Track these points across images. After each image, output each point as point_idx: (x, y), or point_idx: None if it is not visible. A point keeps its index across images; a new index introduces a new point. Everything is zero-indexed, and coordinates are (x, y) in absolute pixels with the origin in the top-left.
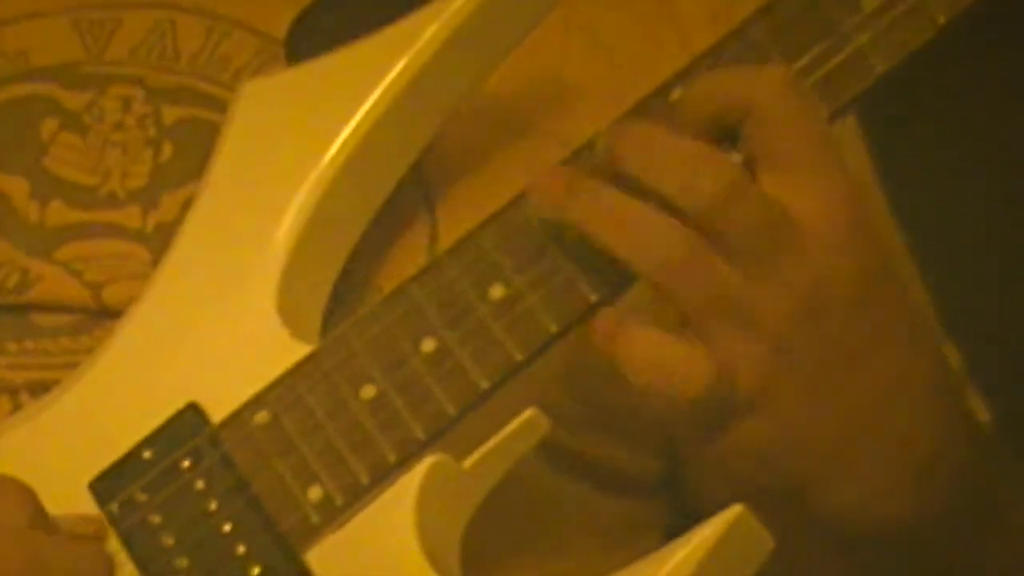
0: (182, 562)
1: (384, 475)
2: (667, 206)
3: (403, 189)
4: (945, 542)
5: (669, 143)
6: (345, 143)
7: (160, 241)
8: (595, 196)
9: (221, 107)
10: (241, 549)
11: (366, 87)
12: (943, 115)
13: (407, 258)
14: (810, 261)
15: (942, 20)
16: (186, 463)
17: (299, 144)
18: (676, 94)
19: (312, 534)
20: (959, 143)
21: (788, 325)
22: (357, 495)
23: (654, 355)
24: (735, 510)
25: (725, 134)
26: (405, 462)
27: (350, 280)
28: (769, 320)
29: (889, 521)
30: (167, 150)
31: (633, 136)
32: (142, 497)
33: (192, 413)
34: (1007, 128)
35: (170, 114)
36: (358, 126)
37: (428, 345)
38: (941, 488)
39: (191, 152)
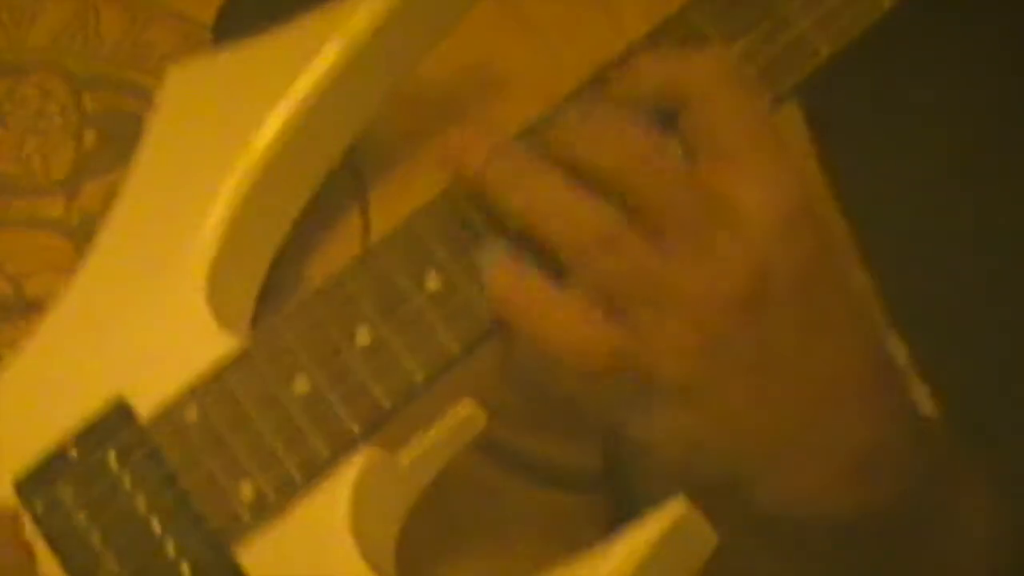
0: (110, 562)
1: (317, 470)
2: (596, 188)
3: (335, 177)
4: (888, 534)
5: (592, 121)
6: (275, 127)
7: (84, 231)
8: (515, 169)
9: (145, 95)
10: (171, 548)
11: (296, 70)
12: (888, 102)
13: (340, 248)
14: (748, 249)
15: (887, 3)
16: (113, 461)
17: (228, 129)
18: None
19: (243, 531)
20: (904, 131)
21: (723, 313)
22: (290, 491)
23: (556, 317)
24: (679, 506)
25: (660, 118)
26: (339, 457)
27: (281, 270)
28: (698, 306)
29: (830, 514)
30: (90, 138)
31: (564, 117)
32: (68, 496)
33: (119, 409)
34: (954, 116)
35: (92, 102)
36: (288, 110)
37: (362, 337)
38: (883, 481)
39: (115, 140)
